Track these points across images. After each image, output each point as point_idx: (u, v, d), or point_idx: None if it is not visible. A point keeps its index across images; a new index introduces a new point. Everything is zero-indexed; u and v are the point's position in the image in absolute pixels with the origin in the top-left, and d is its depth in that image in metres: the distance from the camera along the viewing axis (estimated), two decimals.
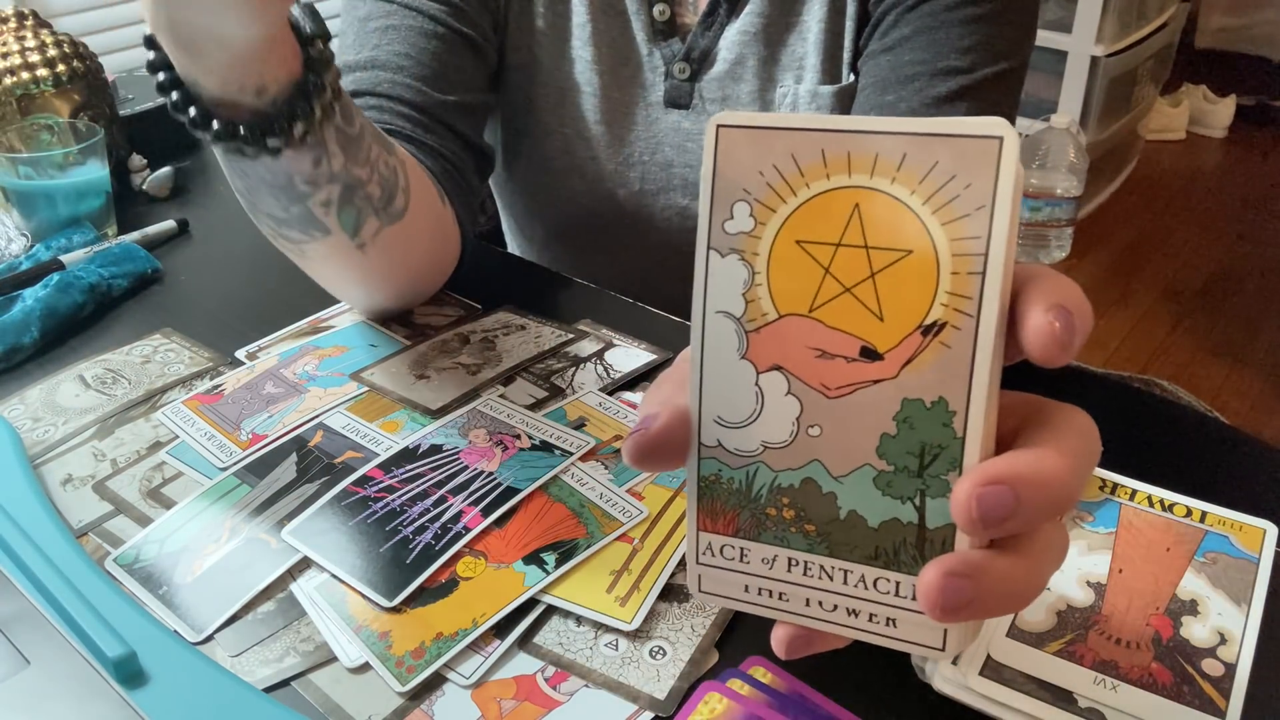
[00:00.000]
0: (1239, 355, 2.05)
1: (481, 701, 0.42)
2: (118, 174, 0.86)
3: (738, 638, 0.44)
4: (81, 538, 0.50)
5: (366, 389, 0.60)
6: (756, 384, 0.32)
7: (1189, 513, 0.47)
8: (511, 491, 0.51)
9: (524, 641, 0.44)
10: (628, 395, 0.60)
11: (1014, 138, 0.29)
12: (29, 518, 0.49)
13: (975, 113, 0.67)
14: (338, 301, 0.69)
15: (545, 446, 0.55)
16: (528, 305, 0.69)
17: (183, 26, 0.45)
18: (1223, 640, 0.41)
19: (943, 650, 0.32)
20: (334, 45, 0.53)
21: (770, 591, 0.33)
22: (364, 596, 0.46)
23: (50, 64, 0.82)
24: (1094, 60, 2.30)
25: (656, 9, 0.76)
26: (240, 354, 0.64)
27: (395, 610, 0.45)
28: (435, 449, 0.54)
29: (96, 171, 0.78)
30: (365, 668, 0.43)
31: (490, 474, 0.53)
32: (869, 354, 0.31)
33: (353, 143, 0.54)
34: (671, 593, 0.46)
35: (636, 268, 0.83)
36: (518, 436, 0.55)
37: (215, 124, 0.49)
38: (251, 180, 0.54)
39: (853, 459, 0.31)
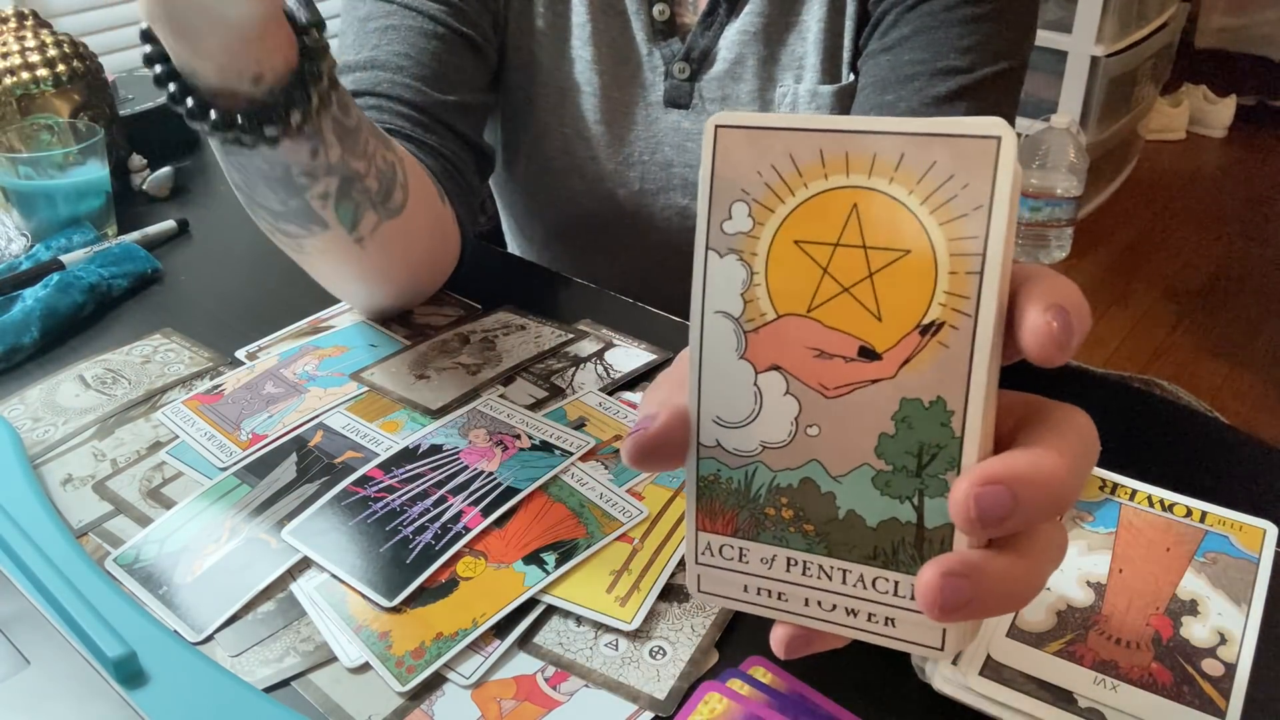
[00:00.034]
0: (1239, 355, 2.05)
1: (481, 701, 0.42)
2: (118, 174, 0.86)
3: (738, 638, 0.44)
4: (81, 538, 0.50)
5: (366, 389, 0.60)
6: (755, 384, 0.32)
7: (1189, 513, 0.47)
8: (511, 491, 0.51)
9: (524, 641, 0.44)
10: (628, 395, 0.60)
11: (1012, 138, 0.29)
12: (29, 518, 0.49)
13: (975, 112, 0.66)
14: (338, 301, 0.69)
15: (545, 446, 0.55)
16: (528, 305, 0.69)
17: (180, 10, 0.45)
18: (1223, 640, 0.41)
19: (941, 650, 0.32)
20: (334, 45, 0.54)
21: (769, 591, 0.33)
22: (364, 596, 0.46)
23: (50, 64, 0.82)
24: (1094, 60, 2.30)
25: (656, 9, 0.76)
26: (240, 354, 0.64)
27: (395, 610, 0.45)
28: (435, 449, 0.54)
29: (96, 171, 0.78)
30: (365, 668, 0.43)
31: (490, 474, 0.53)
32: (867, 354, 0.31)
33: (350, 134, 0.54)
34: (671, 593, 0.46)
35: (636, 268, 0.84)
36: (518, 436, 0.55)
37: (213, 114, 0.49)
38: (249, 173, 0.54)
39: (851, 459, 0.31)
